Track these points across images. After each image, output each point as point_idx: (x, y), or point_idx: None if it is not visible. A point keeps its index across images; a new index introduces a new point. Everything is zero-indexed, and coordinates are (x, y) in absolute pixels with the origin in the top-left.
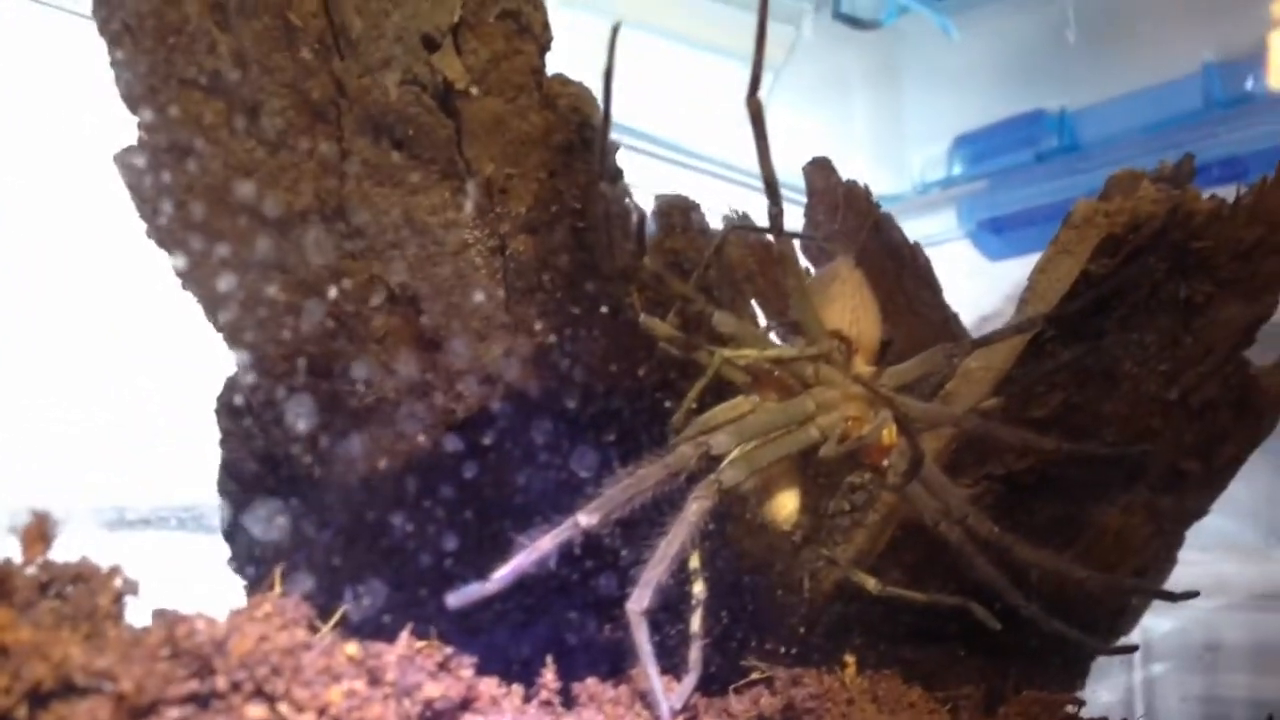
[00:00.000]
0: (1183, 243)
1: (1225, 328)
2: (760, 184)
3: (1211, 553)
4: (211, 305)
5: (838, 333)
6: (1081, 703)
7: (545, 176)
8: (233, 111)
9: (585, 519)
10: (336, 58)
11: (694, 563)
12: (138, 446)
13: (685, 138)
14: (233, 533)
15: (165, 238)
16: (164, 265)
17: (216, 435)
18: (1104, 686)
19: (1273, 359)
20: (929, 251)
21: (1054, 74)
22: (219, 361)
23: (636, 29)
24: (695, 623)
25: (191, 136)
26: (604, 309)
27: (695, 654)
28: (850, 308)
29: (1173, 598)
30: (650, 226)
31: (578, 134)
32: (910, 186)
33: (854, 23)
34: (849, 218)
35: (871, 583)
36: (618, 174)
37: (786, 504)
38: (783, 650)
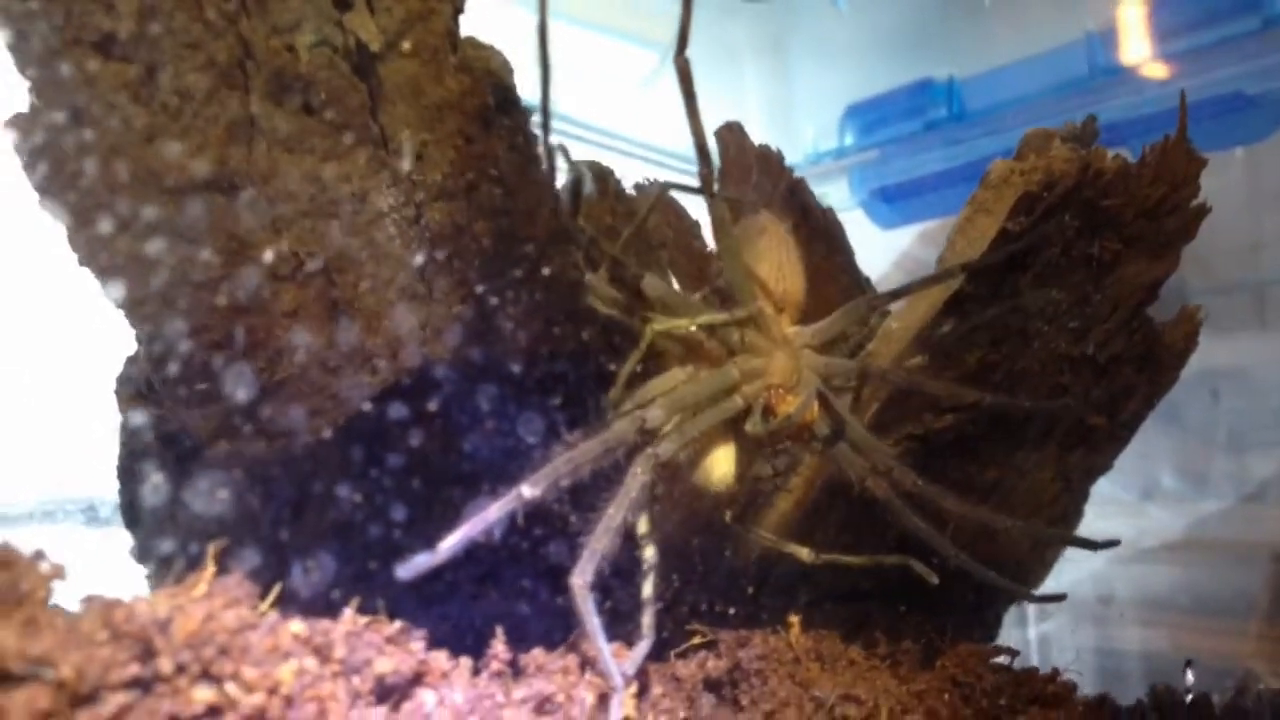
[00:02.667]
0: (1093, 201)
1: (1131, 284)
2: (657, 156)
3: (1091, 508)
4: (108, 279)
5: (765, 289)
6: (1015, 653)
7: (462, 143)
8: (132, 74)
9: (529, 490)
10: (244, 18)
11: (643, 527)
12: (23, 439)
13: (585, 114)
14: (134, 518)
15: (58, 206)
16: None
17: (109, 424)
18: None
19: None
20: None
21: (942, 43)
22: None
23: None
24: (647, 588)
25: (88, 100)
26: (545, 271)
27: (648, 620)
28: (777, 264)
29: (1094, 546)
30: (588, 188)
31: (493, 98)
32: (803, 157)
33: None
34: (762, 181)
35: (805, 553)
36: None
37: (719, 465)
38: (733, 611)
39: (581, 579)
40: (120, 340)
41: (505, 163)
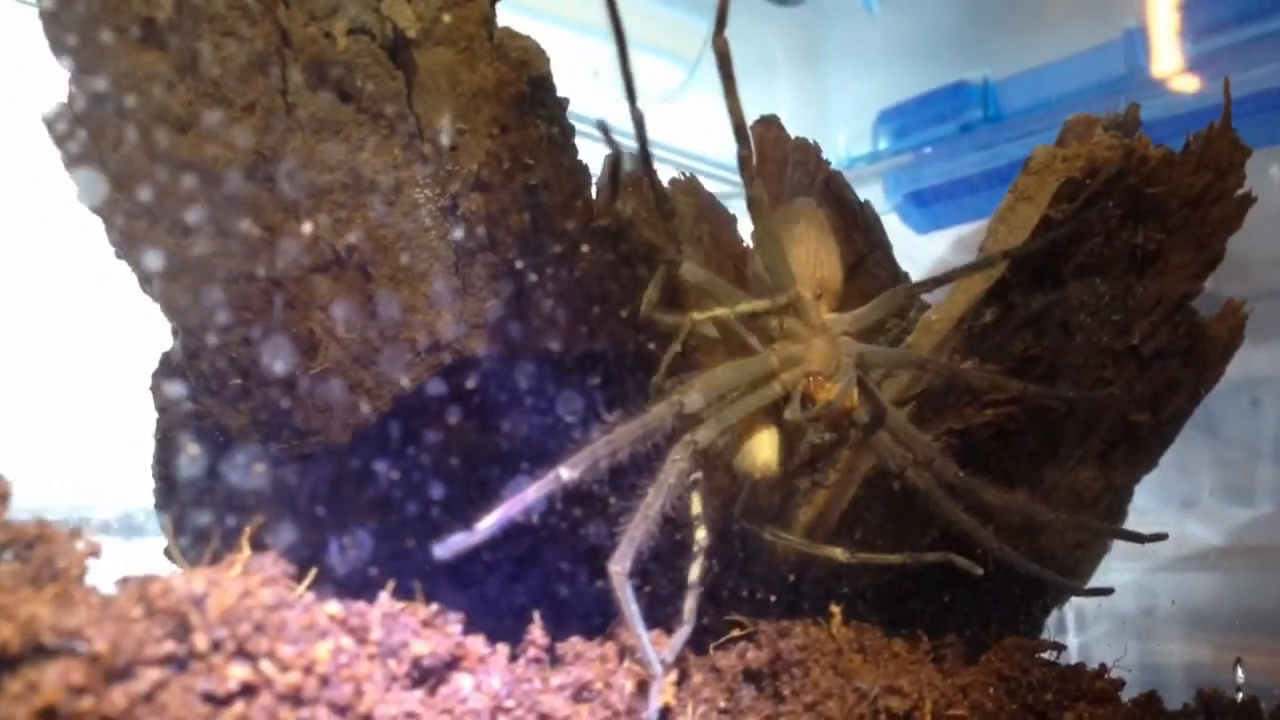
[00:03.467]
0: (1137, 189)
1: (1175, 275)
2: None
3: (1131, 519)
4: (146, 273)
5: (803, 274)
6: (1062, 647)
7: (498, 132)
8: (170, 60)
9: (567, 473)
10: (282, 5)
11: (695, 508)
12: (63, 451)
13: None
14: (169, 498)
15: (96, 199)
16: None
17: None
18: None
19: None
20: None
21: (977, 45)
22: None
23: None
24: (694, 572)
25: (124, 90)
26: (581, 261)
27: (690, 605)
28: (814, 250)
29: (1141, 539)
30: (628, 166)
31: (529, 88)
32: (836, 162)
33: (776, 0)
34: (798, 175)
35: (839, 553)
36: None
37: (761, 451)
38: (773, 599)
39: (620, 566)
40: (155, 346)
41: (541, 152)
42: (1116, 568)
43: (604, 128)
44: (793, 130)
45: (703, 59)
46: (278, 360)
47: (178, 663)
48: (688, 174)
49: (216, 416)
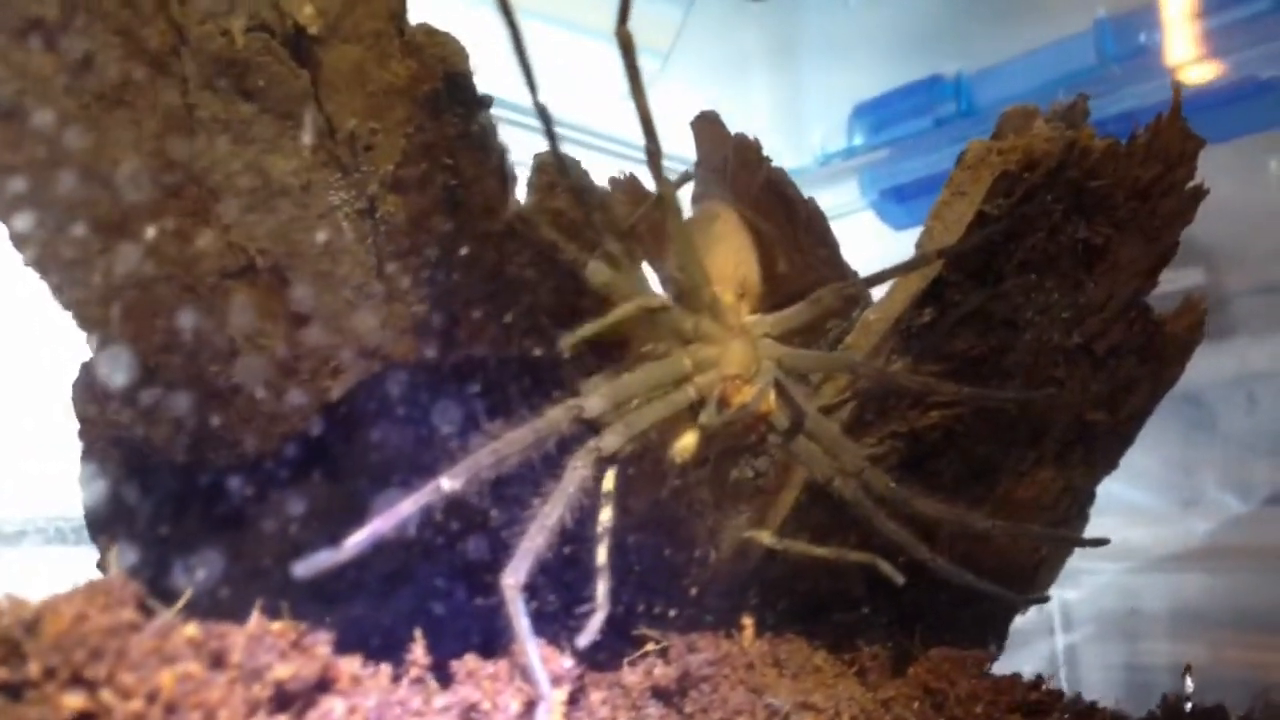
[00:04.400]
0: (1080, 181)
1: (1126, 271)
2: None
3: (1121, 517)
4: (55, 282)
5: (722, 275)
6: (993, 658)
7: (413, 131)
8: (61, 65)
9: (448, 483)
10: (175, 2)
11: (607, 484)
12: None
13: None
14: (98, 526)
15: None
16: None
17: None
18: (1025, 655)
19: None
20: (836, 226)
21: (950, 38)
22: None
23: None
24: (602, 554)
25: (19, 93)
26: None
27: (603, 589)
28: (733, 249)
29: (1083, 543)
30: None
31: (445, 85)
32: (812, 159)
33: None
34: (739, 172)
35: (767, 536)
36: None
37: (686, 441)
38: (673, 614)
39: (514, 579)
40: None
41: (459, 151)
42: (1099, 568)
43: (543, 114)
44: (769, 126)
45: (675, 49)
46: (196, 369)
47: (12, 691)
48: (627, 173)
49: (138, 429)
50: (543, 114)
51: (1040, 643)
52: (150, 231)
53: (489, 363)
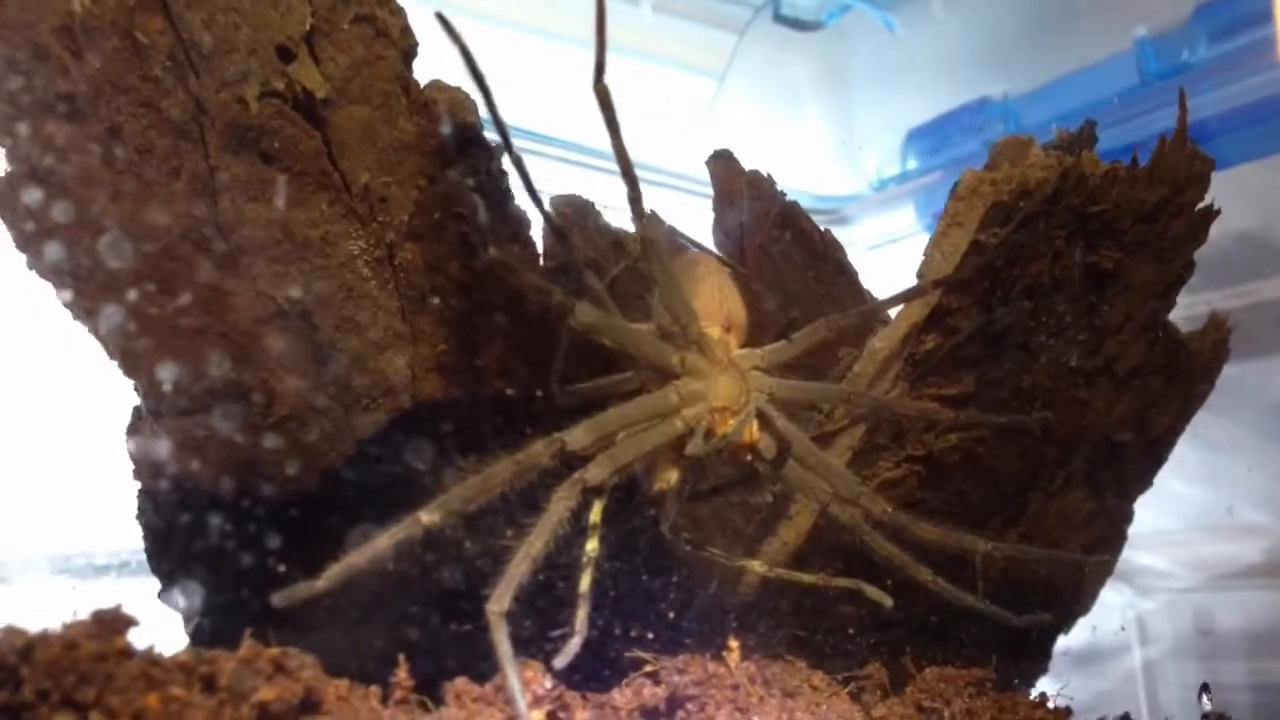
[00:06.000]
0: (1080, 207)
1: (1141, 293)
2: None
3: (1180, 534)
4: (100, 333)
5: (709, 312)
6: (991, 677)
7: (425, 183)
8: (93, 135)
9: (427, 516)
10: (192, 75)
11: (594, 516)
12: (93, 491)
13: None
14: (158, 563)
15: (43, 269)
16: None
17: None
18: (1093, 673)
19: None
20: (892, 250)
21: (998, 60)
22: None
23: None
24: (585, 582)
25: (54, 163)
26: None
27: (582, 615)
28: (717, 287)
29: (1082, 562)
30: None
31: (455, 138)
32: (867, 185)
33: (796, 24)
34: (754, 208)
35: (758, 565)
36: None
37: (667, 475)
38: (650, 637)
39: (498, 606)
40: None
41: (471, 200)
42: (1162, 586)
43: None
44: (824, 155)
45: (730, 73)
46: (237, 410)
47: (10, 713)
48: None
49: (186, 468)
50: (518, 165)
51: (1121, 658)
52: (184, 284)
53: (461, 403)
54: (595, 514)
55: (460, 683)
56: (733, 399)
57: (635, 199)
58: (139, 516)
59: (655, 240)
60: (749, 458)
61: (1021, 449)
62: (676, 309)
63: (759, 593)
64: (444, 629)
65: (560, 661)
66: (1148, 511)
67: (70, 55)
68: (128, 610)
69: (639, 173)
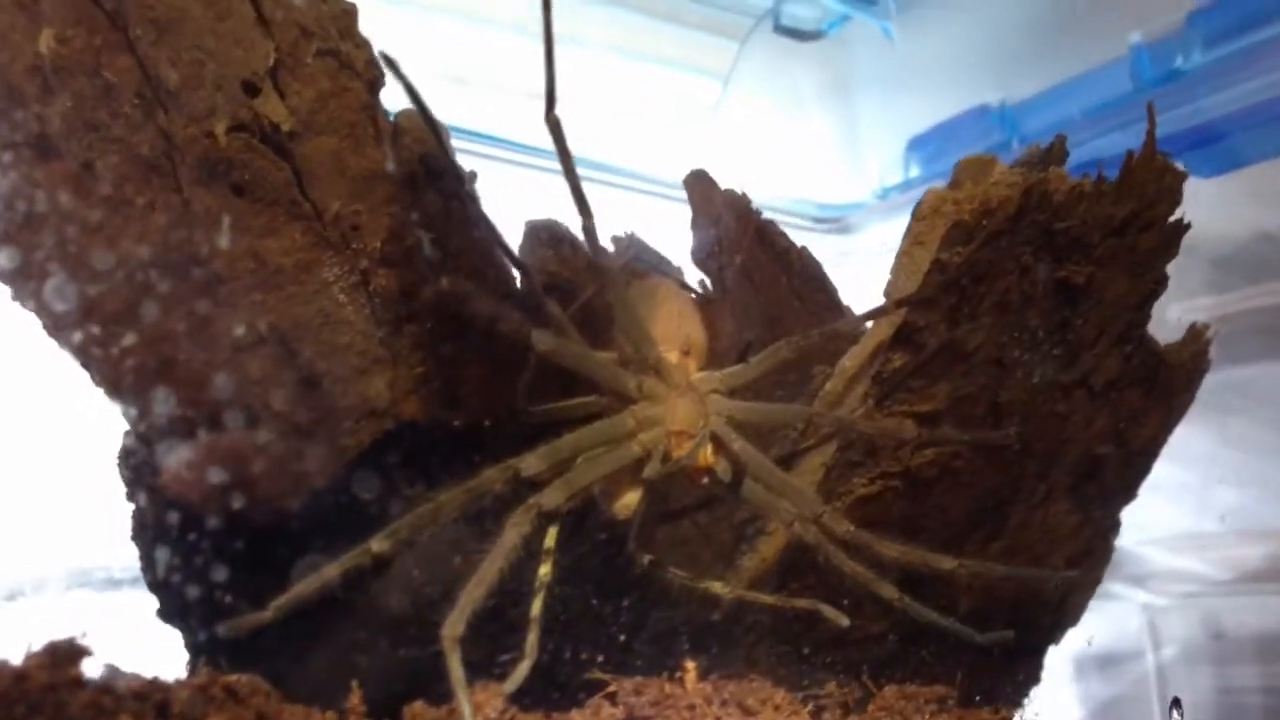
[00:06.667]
0: (1046, 224)
1: (1114, 306)
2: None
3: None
4: (84, 362)
5: (666, 336)
6: (951, 694)
7: (395, 210)
8: (67, 172)
9: (378, 545)
10: (160, 111)
11: (549, 541)
12: (110, 504)
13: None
14: (153, 582)
15: (24, 300)
16: None
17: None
18: (1110, 676)
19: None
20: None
21: (996, 67)
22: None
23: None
24: (536, 606)
25: (32, 200)
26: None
27: (533, 639)
28: (676, 313)
29: (1053, 579)
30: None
31: (421, 166)
32: (870, 194)
33: (796, 35)
34: (731, 227)
35: (719, 587)
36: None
37: (627, 498)
38: (602, 660)
39: (452, 631)
40: None
41: (441, 226)
42: (1169, 591)
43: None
44: (826, 164)
45: (730, 84)
46: (222, 435)
47: None
48: (629, 233)
49: (173, 491)
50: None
51: (1133, 664)
52: (165, 313)
53: (416, 428)
54: (550, 539)
55: (418, 706)
56: (690, 422)
57: (589, 229)
58: (133, 537)
59: (609, 268)
60: (705, 480)
61: (1000, 463)
62: (633, 334)
63: (720, 613)
64: (393, 654)
65: (510, 686)
66: (1165, 512)
67: (42, 94)
68: (82, 640)
69: (641, 183)
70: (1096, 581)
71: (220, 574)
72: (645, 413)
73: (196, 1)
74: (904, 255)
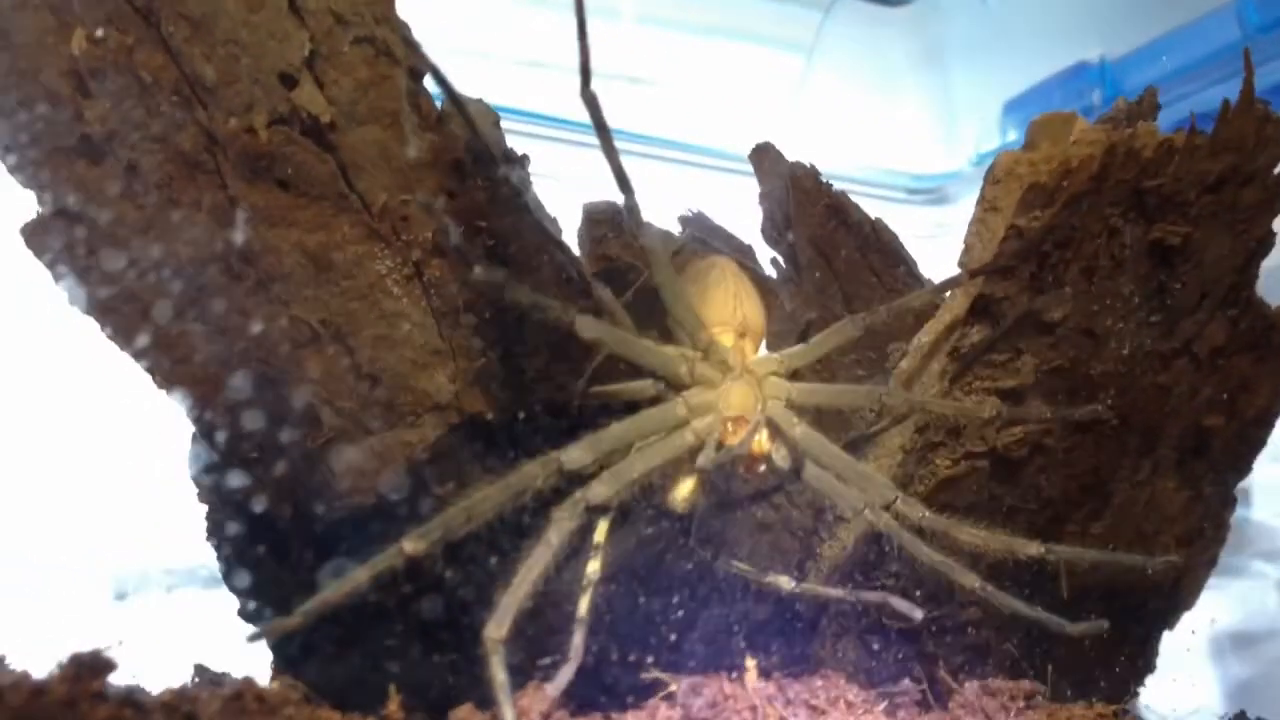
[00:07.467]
0: (1134, 183)
1: (1215, 268)
2: None
3: None
4: (147, 366)
5: (721, 319)
6: (1039, 691)
7: (445, 198)
8: (112, 173)
9: (411, 545)
10: (200, 107)
11: (599, 536)
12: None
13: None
14: (231, 584)
15: (84, 304)
16: None
17: None
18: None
19: None
20: None
21: (1093, 23)
22: None
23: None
24: (583, 605)
25: (81, 202)
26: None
27: (578, 640)
28: (732, 294)
29: (1150, 565)
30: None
31: (469, 152)
32: (966, 161)
33: (883, 0)
34: (800, 202)
35: (785, 581)
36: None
37: (680, 488)
38: (650, 660)
39: (498, 632)
40: None
41: (492, 214)
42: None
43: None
44: (920, 129)
45: (817, 53)
46: (286, 433)
47: None
48: (695, 211)
49: (246, 491)
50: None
51: (1271, 644)
52: (219, 313)
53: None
54: (600, 534)
55: (464, 710)
56: (745, 407)
57: (632, 207)
58: (208, 539)
59: (655, 249)
60: (761, 469)
61: (1098, 439)
62: (683, 317)
63: (791, 608)
64: (426, 660)
65: (554, 690)
66: None
67: (81, 96)
68: (109, 653)
69: (728, 162)
70: (1212, 561)
71: (288, 574)
72: (698, 399)
73: None
74: (977, 222)
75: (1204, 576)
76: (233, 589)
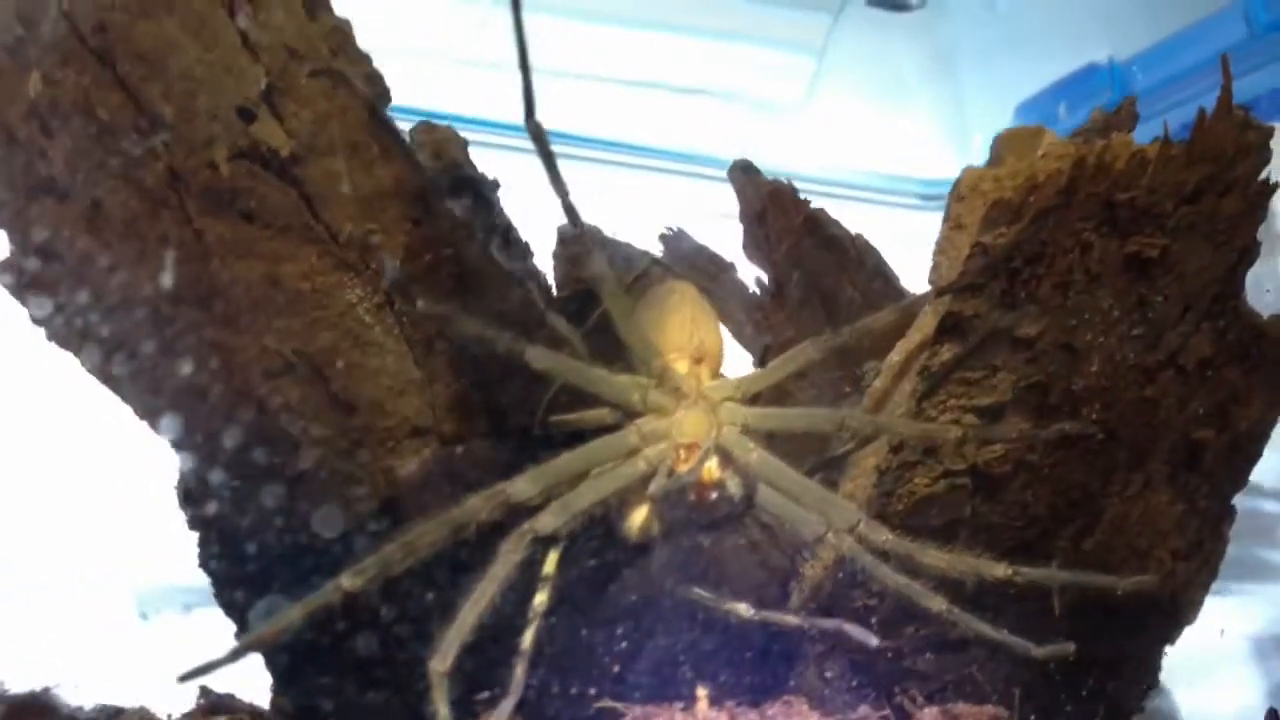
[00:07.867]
0: (1106, 196)
1: (1198, 279)
2: None
3: None
4: (124, 397)
5: (676, 345)
6: (1003, 714)
7: (410, 227)
8: (79, 211)
9: (349, 581)
10: (160, 144)
11: (548, 568)
12: None
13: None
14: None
15: (60, 341)
16: None
17: None
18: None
19: None
20: None
21: (1103, 25)
22: None
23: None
24: (528, 638)
25: (50, 240)
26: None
27: (519, 673)
28: (689, 318)
29: (1123, 586)
30: None
31: (434, 181)
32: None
33: (892, 6)
34: (777, 219)
35: (743, 609)
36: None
37: (635, 517)
38: (592, 692)
39: (442, 665)
40: None
41: (459, 241)
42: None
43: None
44: (932, 134)
45: (825, 60)
46: (266, 463)
47: None
48: (675, 229)
49: (229, 522)
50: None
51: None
52: (191, 346)
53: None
54: (549, 565)
55: None
56: (698, 434)
57: (583, 234)
58: (200, 563)
59: (605, 277)
60: (713, 496)
61: (1085, 455)
62: (636, 345)
63: (736, 635)
64: (360, 697)
65: None
66: None
67: (43, 136)
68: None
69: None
70: (1212, 574)
71: (279, 601)
72: (650, 426)
73: (180, 32)
74: (944, 240)
75: (1204, 590)
76: (228, 613)
